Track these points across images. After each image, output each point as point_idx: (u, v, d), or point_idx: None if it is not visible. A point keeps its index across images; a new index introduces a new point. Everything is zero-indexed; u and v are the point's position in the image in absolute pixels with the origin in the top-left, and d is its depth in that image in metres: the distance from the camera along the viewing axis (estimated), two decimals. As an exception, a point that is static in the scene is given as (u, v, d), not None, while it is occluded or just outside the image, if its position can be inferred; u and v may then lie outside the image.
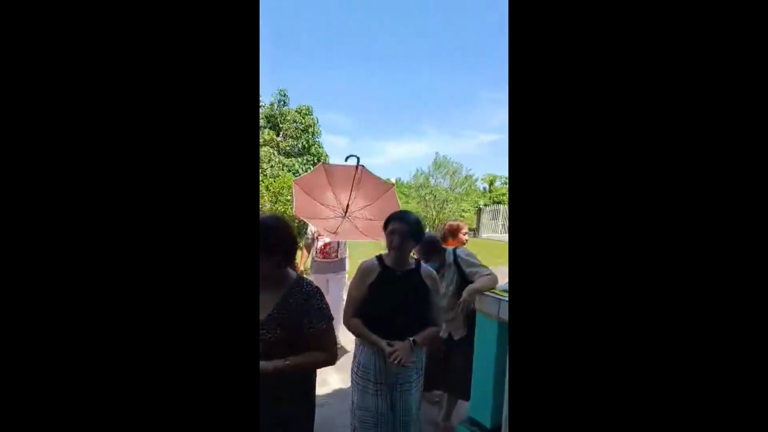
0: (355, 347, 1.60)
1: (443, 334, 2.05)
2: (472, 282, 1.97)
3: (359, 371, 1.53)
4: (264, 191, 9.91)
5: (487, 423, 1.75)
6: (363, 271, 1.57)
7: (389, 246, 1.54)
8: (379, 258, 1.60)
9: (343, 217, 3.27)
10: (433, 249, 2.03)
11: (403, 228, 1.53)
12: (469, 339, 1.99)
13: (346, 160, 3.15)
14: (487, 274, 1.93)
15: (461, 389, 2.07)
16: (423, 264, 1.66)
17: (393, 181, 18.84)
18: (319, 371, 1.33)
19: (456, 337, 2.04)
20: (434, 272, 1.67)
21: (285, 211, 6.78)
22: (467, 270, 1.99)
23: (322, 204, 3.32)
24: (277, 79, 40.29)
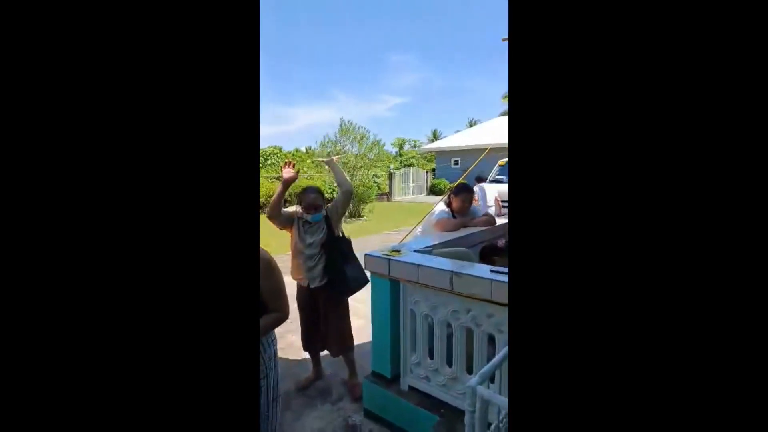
0: None
1: (304, 283, 2.14)
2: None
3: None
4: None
5: (387, 374, 1.90)
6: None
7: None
8: None
9: None
10: (311, 205, 2.11)
11: None
12: (330, 286, 2.14)
13: None
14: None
15: (341, 343, 2.20)
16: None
17: (303, 149, 18.14)
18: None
19: (313, 286, 2.15)
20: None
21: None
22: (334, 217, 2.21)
23: None
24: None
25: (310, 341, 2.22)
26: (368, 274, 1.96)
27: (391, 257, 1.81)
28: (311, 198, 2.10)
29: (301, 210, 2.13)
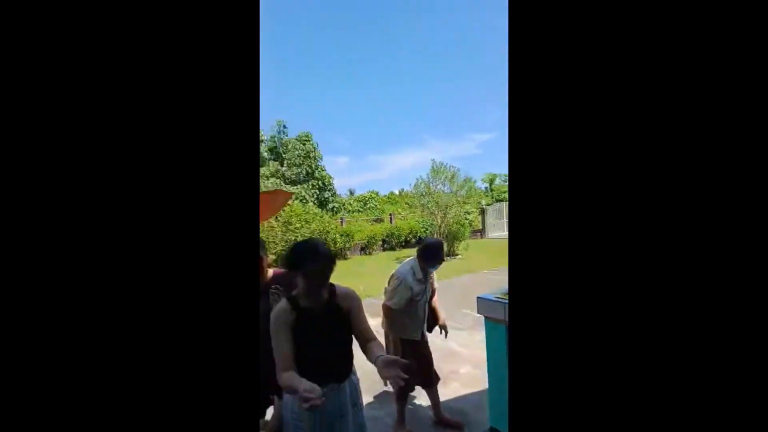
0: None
1: (417, 336, 2.07)
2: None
3: (292, 415, 1.42)
4: (274, 222, 10.10)
5: (506, 430, 1.75)
6: (277, 319, 1.36)
7: (307, 284, 1.34)
8: (292, 301, 1.38)
9: None
10: (437, 256, 2.05)
11: (319, 262, 1.32)
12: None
13: None
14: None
15: (429, 378, 2.13)
16: (338, 287, 1.47)
17: (396, 192, 18.95)
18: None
19: (424, 336, 2.08)
20: (351, 291, 1.48)
21: (295, 239, 6.90)
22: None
23: None
24: (274, 111, 41.42)
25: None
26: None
27: (507, 300, 1.74)
28: (440, 252, 2.07)
29: (420, 262, 2.06)
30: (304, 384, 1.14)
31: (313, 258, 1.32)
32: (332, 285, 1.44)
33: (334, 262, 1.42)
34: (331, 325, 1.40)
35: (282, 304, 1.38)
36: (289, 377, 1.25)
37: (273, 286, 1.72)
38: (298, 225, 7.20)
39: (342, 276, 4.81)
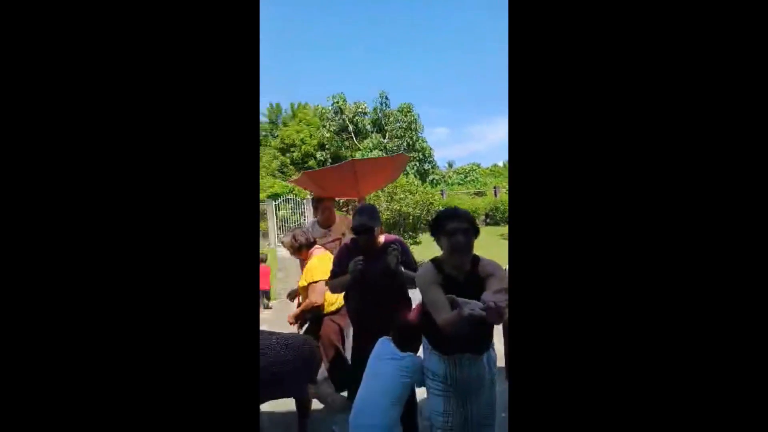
0: (424, 353, 1.50)
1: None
2: None
3: (432, 377, 1.41)
4: (380, 192, 10.48)
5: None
6: (425, 277, 1.35)
7: (451, 249, 1.32)
8: (436, 263, 1.37)
9: None
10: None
11: (464, 226, 1.30)
12: None
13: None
14: None
15: None
16: (483, 259, 1.41)
17: (500, 164, 17.71)
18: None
19: None
20: (495, 264, 1.41)
21: (400, 209, 7.08)
22: None
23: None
24: (376, 82, 42.06)
25: None
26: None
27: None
28: None
29: None
30: (470, 305, 1.15)
31: (458, 223, 1.32)
32: (476, 256, 1.42)
33: (477, 232, 1.38)
34: (471, 297, 1.34)
35: (427, 265, 1.40)
36: (451, 317, 1.24)
37: (392, 244, 1.76)
38: (402, 196, 7.34)
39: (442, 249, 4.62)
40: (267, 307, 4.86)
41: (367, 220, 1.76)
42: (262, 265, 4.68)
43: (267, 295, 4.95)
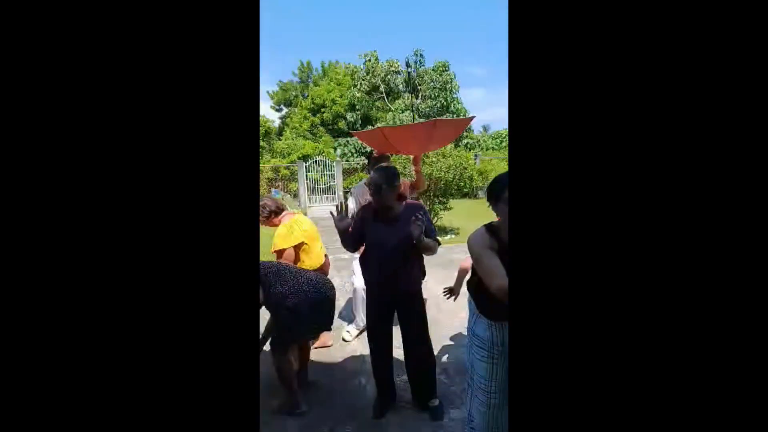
0: (470, 317, 1.46)
1: None
2: None
3: (478, 342, 1.39)
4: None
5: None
6: (478, 241, 1.27)
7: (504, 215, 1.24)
8: (491, 229, 1.29)
9: None
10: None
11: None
12: None
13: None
14: None
15: None
16: None
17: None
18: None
19: None
20: None
21: (431, 173, 6.79)
22: None
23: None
24: (414, 40, 39.85)
25: None
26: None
27: None
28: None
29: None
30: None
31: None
32: None
33: None
34: None
35: (481, 230, 1.31)
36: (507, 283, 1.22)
37: (417, 213, 1.64)
38: (434, 159, 7.01)
39: (477, 216, 4.56)
40: None
41: (378, 179, 1.66)
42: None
43: None
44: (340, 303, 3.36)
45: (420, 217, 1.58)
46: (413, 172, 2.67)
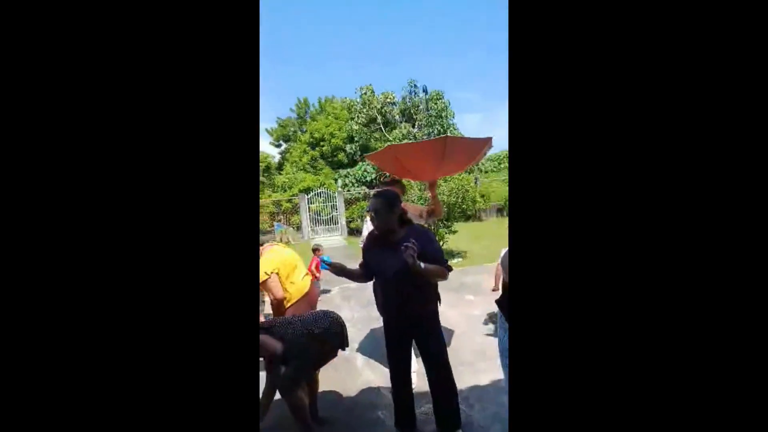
0: (500, 330, 1.50)
1: None
2: None
3: (508, 355, 1.39)
4: (412, 180, 10.24)
5: None
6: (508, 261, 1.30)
7: None
8: None
9: None
10: None
11: None
12: None
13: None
14: None
15: None
16: None
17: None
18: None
19: None
20: None
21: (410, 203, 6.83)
22: None
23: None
24: (405, 71, 41.48)
25: None
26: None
27: None
28: None
29: None
30: None
31: None
32: None
33: None
34: None
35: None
36: None
37: (406, 243, 1.57)
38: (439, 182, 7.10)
39: (482, 238, 4.52)
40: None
41: (376, 203, 1.63)
42: (314, 257, 4.84)
43: (318, 285, 4.98)
44: (351, 333, 3.28)
45: (410, 245, 1.45)
46: (430, 198, 2.59)
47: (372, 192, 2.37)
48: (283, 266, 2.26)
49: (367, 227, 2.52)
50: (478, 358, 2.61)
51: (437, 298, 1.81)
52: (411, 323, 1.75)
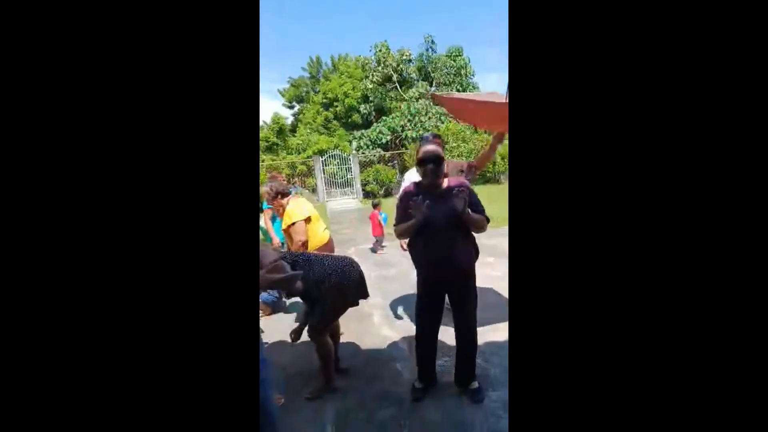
0: None
1: None
2: None
3: None
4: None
5: None
6: None
7: None
8: None
9: None
10: None
11: None
12: None
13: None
14: None
15: None
16: None
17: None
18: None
19: None
20: None
21: (450, 157, 6.66)
22: None
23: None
24: (422, 26, 39.25)
25: None
26: None
27: None
28: None
29: None
30: None
31: None
32: None
33: None
34: None
35: None
36: None
37: (459, 186, 1.64)
38: (454, 144, 6.88)
39: (499, 201, 4.46)
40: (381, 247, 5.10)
41: (434, 157, 1.64)
42: (373, 211, 5.04)
43: (380, 241, 5.13)
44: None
45: (462, 189, 1.57)
46: (487, 149, 2.45)
47: (418, 144, 2.34)
48: (312, 214, 2.44)
49: (408, 179, 2.46)
50: (497, 317, 2.63)
51: (477, 251, 1.80)
52: (453, 276, 1.74)
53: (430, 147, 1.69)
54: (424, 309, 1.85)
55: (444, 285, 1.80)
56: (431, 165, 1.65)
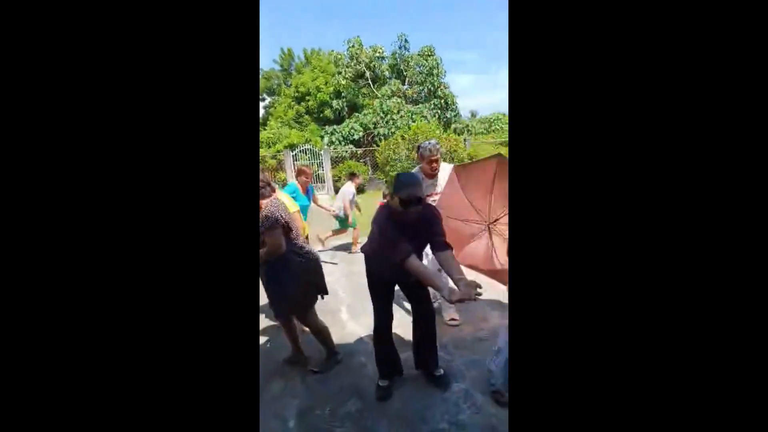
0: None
1: None
2: None
3: None
4: (400, 140, 10.05)
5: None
6: None
7: None
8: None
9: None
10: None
11: None
12: None
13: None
14: None
15: None
16: None
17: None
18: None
19: None
20: None
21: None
22: None
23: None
24: (396, 25, 39.27)
25: None
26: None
27: None
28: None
29: None
30: None
31: None
32: None
33: None
34: None
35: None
36: None
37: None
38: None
39: None
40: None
41: (417, 190, 1.60)
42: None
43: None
44: (335, 287, 3.34)
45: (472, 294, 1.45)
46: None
47: (417, 150, 2.14)
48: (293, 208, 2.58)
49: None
50: (465, 319, 2.71)
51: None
52: (407, 276, 1.75)
53: (416, 191, 1.60)
54: (381, 308, 1.89)
55: (392, 278, 1.86)
56: (415, 206, 1.62)
